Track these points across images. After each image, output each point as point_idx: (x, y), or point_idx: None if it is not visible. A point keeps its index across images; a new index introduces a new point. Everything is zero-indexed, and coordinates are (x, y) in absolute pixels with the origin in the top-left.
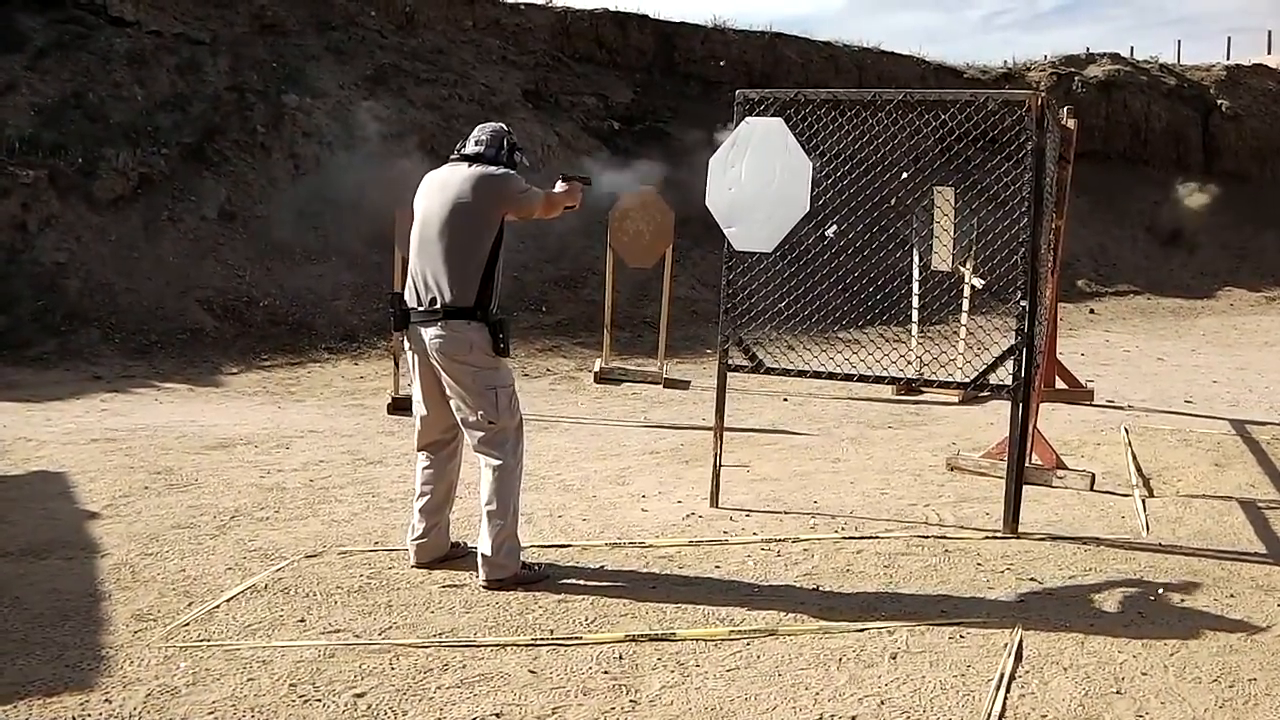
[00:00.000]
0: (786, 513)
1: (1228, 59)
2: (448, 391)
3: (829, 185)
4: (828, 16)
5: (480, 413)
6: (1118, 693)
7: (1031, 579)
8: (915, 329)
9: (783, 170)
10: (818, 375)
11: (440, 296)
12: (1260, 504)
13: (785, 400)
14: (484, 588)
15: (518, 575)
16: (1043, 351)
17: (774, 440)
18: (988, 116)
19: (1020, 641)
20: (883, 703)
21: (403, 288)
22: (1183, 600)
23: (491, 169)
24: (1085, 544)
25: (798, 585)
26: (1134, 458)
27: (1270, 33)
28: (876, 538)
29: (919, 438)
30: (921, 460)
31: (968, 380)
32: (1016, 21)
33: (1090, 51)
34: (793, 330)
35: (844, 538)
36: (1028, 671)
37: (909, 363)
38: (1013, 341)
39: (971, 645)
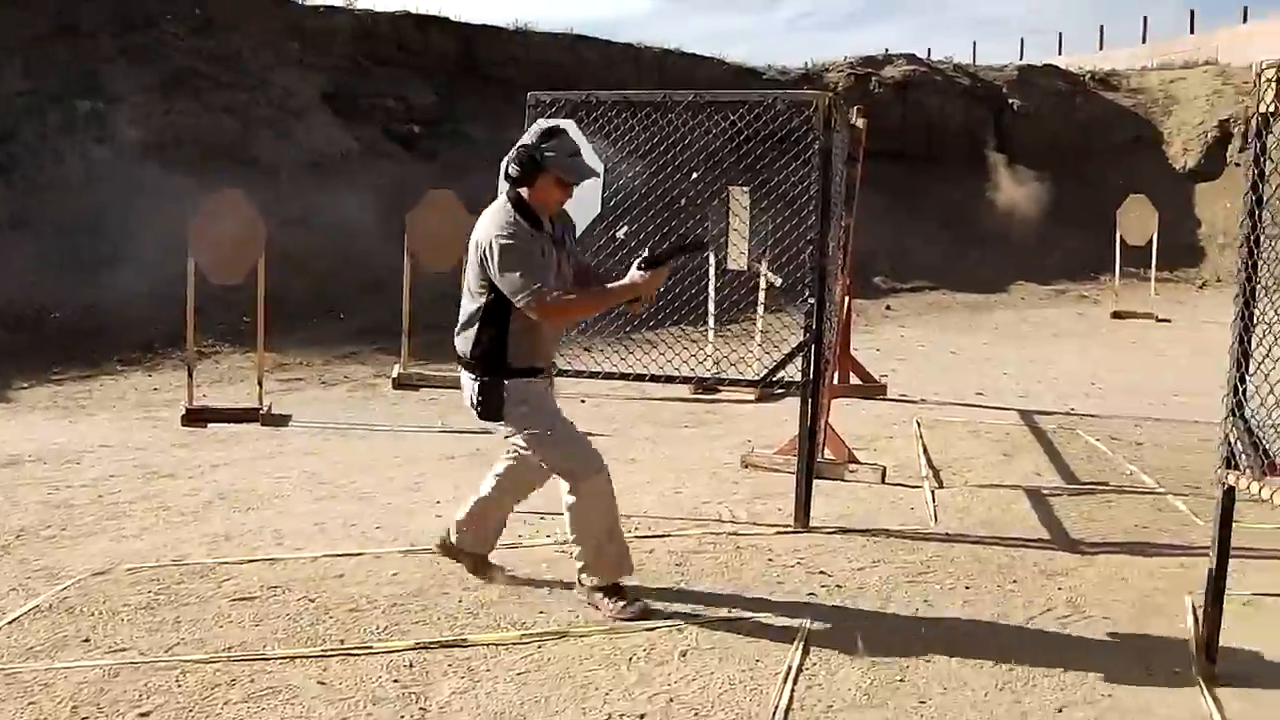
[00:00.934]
0: None
1: (1020, 59)
2: None
3: (621, 186)
4: (635, 19)
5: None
6: (901, 680)
7: (821, 572)
8: (712, 328)
9: None
10: (610, 376)
11: (458, 344)
12: (1045, 491)
13: (583, 402)
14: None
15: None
16: (833, 348)
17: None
18: (776, 117)
19: (808, 634)
20: (671, 700)
21: None
22: (967, 587)
23: (500, 220)
24: (875, 536)
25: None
26: (925, 450)
27: (1061, 34)
28: (670, 536)
29: (715, 436)
30: (717, 458)
31: (758, 378)
32: (821, 23)
33: (888, 52)
34: (589, 332)
35: (638, 537)
36: (815, 663)
37: (705, 362)
38: (802, 339)
39: (761, 640)
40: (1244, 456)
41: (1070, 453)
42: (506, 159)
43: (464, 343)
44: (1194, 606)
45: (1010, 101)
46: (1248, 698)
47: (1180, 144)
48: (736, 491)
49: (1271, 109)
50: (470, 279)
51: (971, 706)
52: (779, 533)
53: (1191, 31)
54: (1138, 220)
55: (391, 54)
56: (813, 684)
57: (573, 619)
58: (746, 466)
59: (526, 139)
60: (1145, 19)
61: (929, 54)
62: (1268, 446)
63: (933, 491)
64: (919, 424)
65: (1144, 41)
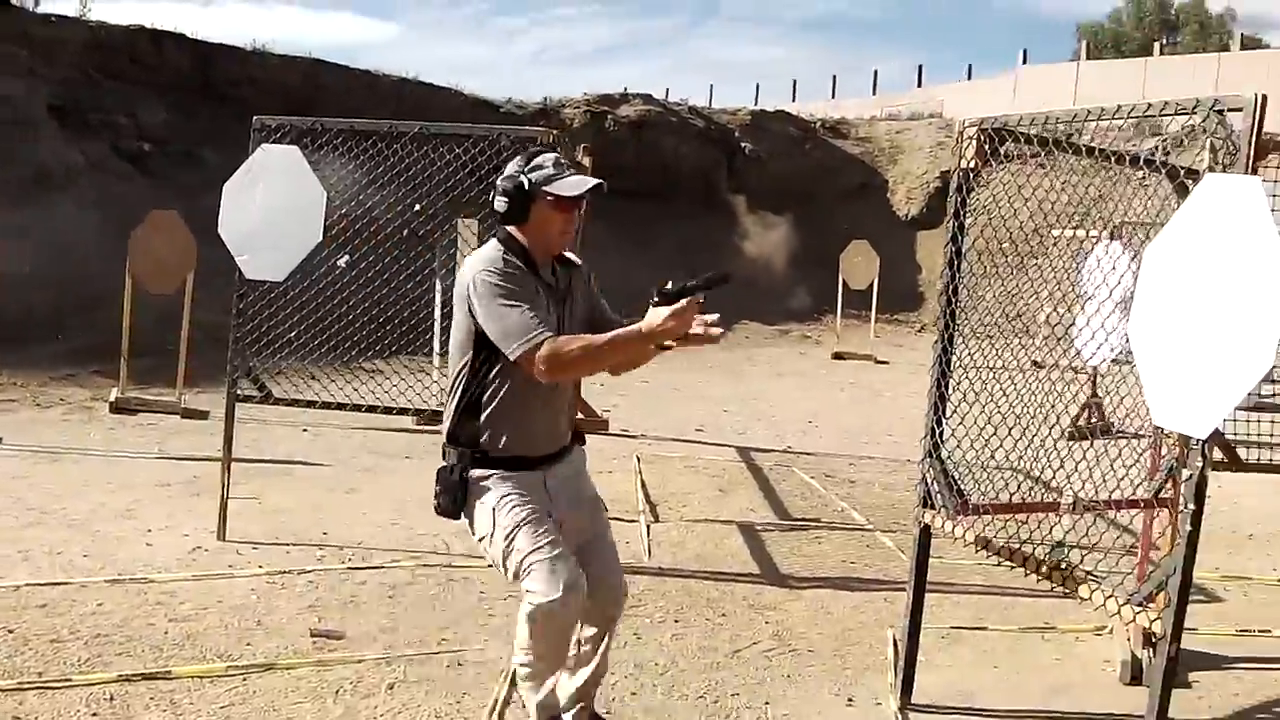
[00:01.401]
0: (295, 544)
1: (755, 104)
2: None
3: (345, 215)
4: (377, 45)
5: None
6: (608, 713)
7: None
8: (437, 359)
9: (296, 199)
10: (327, 406)
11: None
12: (758, 526)
13: (305, 431)
14: None
15: None
16: None
17: (290, 471)
18: (501, 152)
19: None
20: None
21: None
22: (677, 620)
23: (487, 256)
24: None
25: (300, 618)
26: (643, 485)
27: (795, 81)
28: (383, 568)
29: (435, 467)
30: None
31: None
32: (563, 59)
33: (626, 91)
34: (315, 360)
35: (350, 568)
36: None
37: (430, 393)
38: None
39: (468, 673)
40: (939, 496)
41: (785, 489)
42: (493, 196)
43: (445, 418)
44: (894, 639)
45: (743, 145)
46: None
47: (904, 192)
48: (452, 524)
49: (972, 165)
50: (454, 334)
51: None
52: (491, 566)
53: (920, 85)
54: (860, 264)
55: (124, 68)
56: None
57: (280, 651)
58: None
59: (508, 170)
60: (876, 71)
61: (667, 94)
62: (962, 486)
63: (648, 526)
64: (638, 459)
65: (874, 93)
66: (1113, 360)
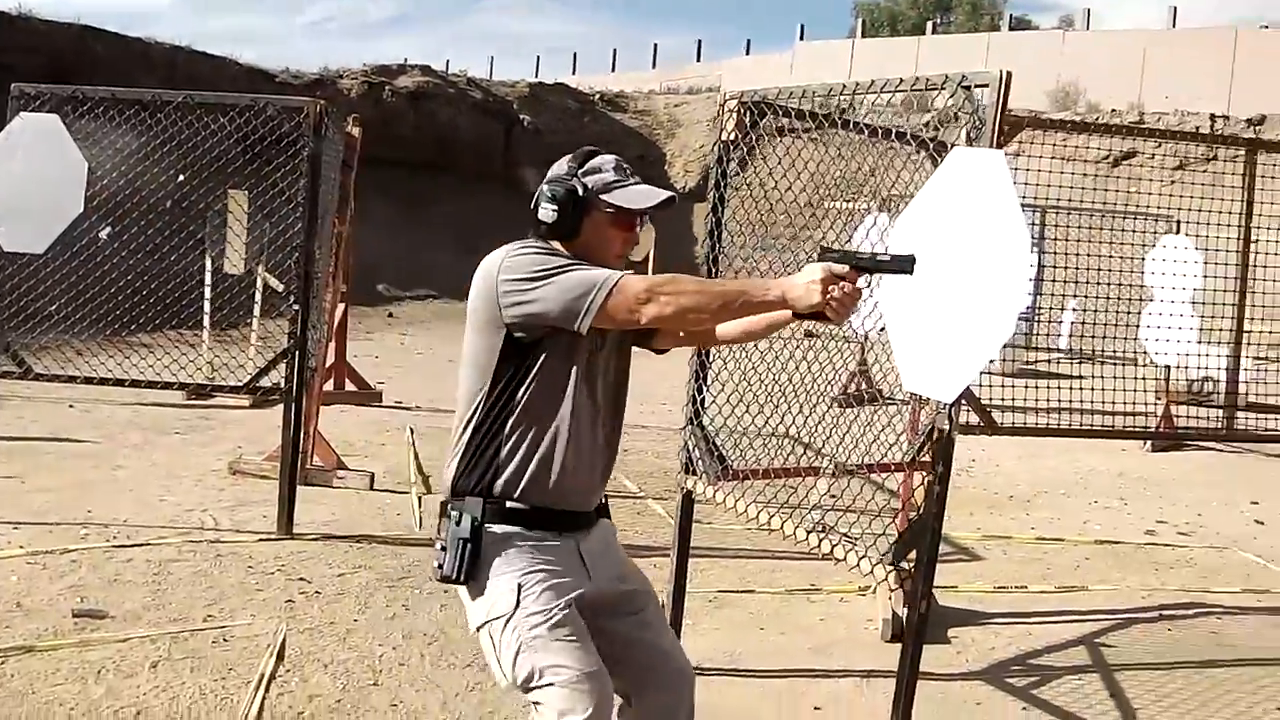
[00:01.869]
0: (59, 524)
1: (535, 77)
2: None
3: (107, 185)
4: (153, 13)
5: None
6: (375, 684)
7: (301, 579)
8: (207, 332)
9: (56, 169)
10: (89, 381)
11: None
12: None
13: (71, 407)
14: None
15: None
16: (322, 354)
17: (54, 449)
18: (268, 122)
19: (284, 641)
20: (139, 713)
21: None
22: (446, 591)
23: (504, 247)
24: (359, 542)
25: (62, 598)
26: (416, 456)
27: (576, 54)
28: (149, 544)
29: (206, 442)
30: (205, 464)
31: (240, 384)
32: (344, 29)
33: (405, 63)
34: (80, 334)
35: (115, 546)
36: (289, 670)
37: (199, 367)
38: (286, 345)
39: (235, 648)
40: (700, 462)
41: None
42: (537, 203)
43: (449, 468)
44: (660, 604)
45: (521, 117)
46: (705, 685)
47: (682, 165)
48: (221, 498)
49: (732, 138)
50: (468, 360)
51: (442, 707)
52: (261, 540)
53: (699, 60)
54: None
55: None
56: (284, 691)
57: (40, 632)
58: (235, 473)
59: (556, 171)
60: (656, 46)
61: (447, 66)
62: (724, 453)
63: (419, 497)
64: (412, 430)
65: (654, 66)
66: (881, 328)
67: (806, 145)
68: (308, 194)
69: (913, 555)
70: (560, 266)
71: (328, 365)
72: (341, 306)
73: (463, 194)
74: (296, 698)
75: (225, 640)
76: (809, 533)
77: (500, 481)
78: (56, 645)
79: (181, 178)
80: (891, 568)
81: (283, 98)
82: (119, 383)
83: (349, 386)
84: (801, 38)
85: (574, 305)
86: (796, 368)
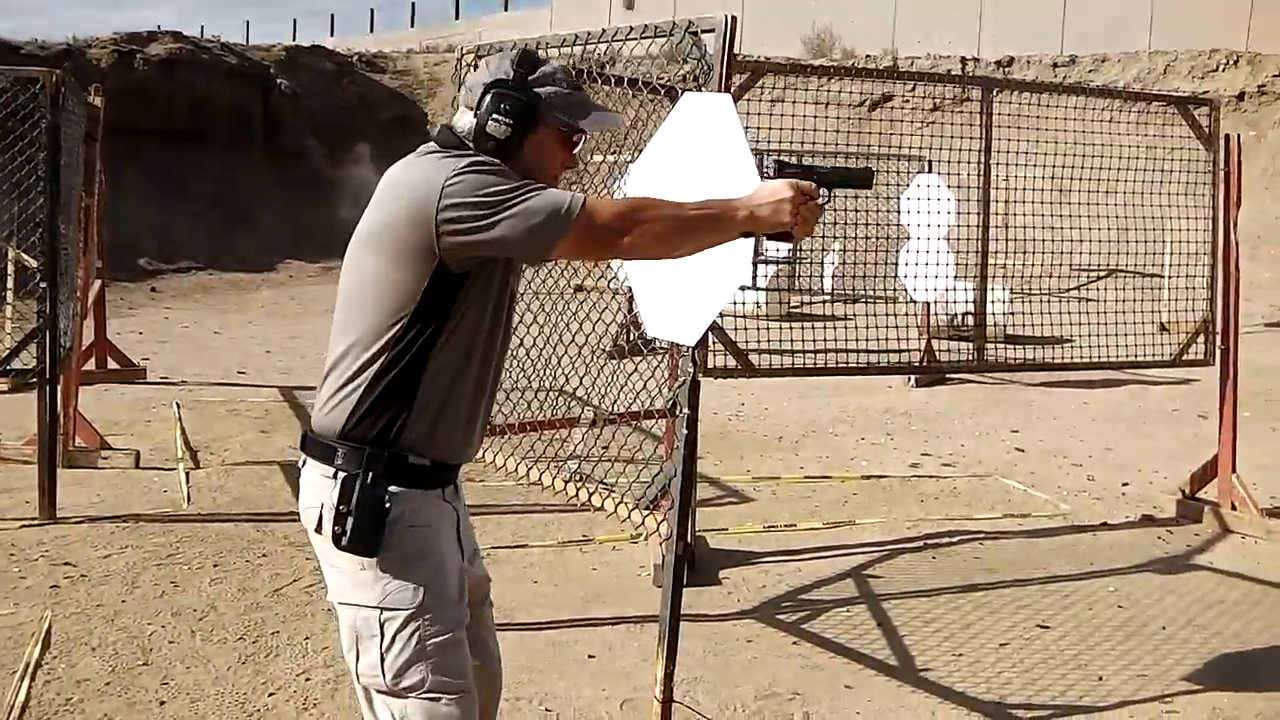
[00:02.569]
0: None
1: (293, 40)
2: None
3: None
4: None
5: (349, 653)
6: (145, 664)
7: (66, 563)
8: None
9: None
10: None
11: (319, 404)
12: (300, 465)
13: None
14: None
15: None
16: (77, 332)
17: None
18: (2, 94)
19: (49, 628)
20: None
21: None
22: (215, 565)
23: (439, 161)
24: (125, 522)
25: None
26: (183, 431)
27: (334, 15)
28: None
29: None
30: None
31: None
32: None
33: (157, 29)
34: None
35: None
36: (55, 657)
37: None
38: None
39: None
40: None
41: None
42: (468, 112)
43: (337, 408)
44: None
45: (279, 81)
46: None
47: (442, 124)
48: None
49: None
50: (380, 283)
51: (214, 682)
52: (24, 526)
53: (458, 18)
54: None
55: None
56: (52, 678)
57: None
58: None
59: (489, 75)
60: (414, 4)
61: (201, 32)
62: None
63: (187, 473)
64: (178, 405)
65: (413, 26)
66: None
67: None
68: (48, 168)
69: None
70: (520, 189)
71: (87, 344)
72: (98, 283)
73: (223, 163)
74: (64, 684)
75: None
76: (567, 483)
77: (408, 433)
78: None
79: None
80: (647, 512)
81: (16, 68)
82: None
83: (111, 365)
84: None
85: (538, 237)
86: (567, 325)
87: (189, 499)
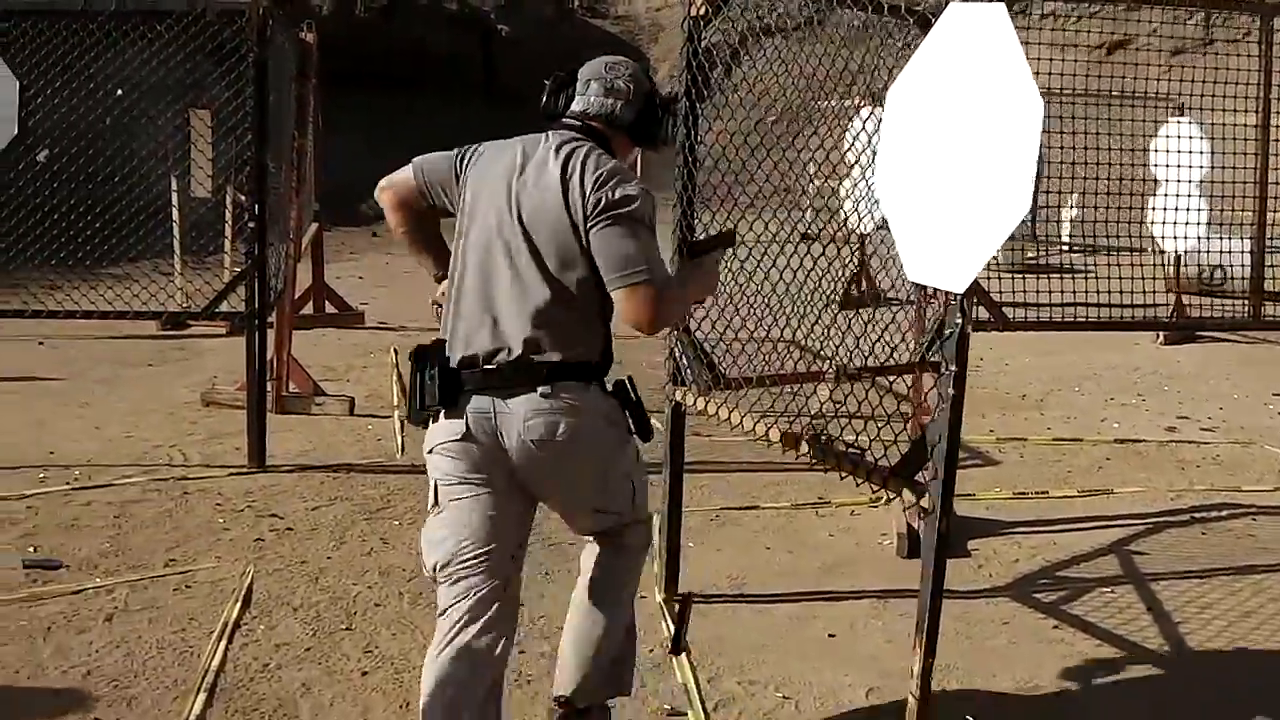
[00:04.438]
0: (16, 468)
1: None
2: (542, 493)
3: (40, 105)
4: None
5: (597, 499)
6: (348, 628)
7: (272, 514)
8: (179, 259)
9: None
10: (37, 315)
11: (538, 352)
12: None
13: (41, 344)
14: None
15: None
16: (290, 275)
17: (17, 389)
18: (207, 29)
19: (250, 585)
20: (89, 673)
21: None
22: (415, 520)
23: (615, 164)
24: (335, 472)
25: (13, 548)
26: (400, 378)
27: None
28: (111, 485)
29: (180, 374)
30: (177, 397)
31: (199, 310)
32: None
33: None
34: (41, 267)
35: (75, 489)
36: (255, 617)
37: (171, 295)
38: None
39: (198, 595)
40: (689, 371)
41: None
42: (606, 87)
43: (571, 343)
44: (655, 525)
45: (499, 27)
46: (709, 614)
47: (667, 70)
48: (193, 432)
49: (702, 13)
50: (567, 246)
51: (420, 651)
52: (232, 474)
53: None
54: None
55: None
56: (249, 640)
57: None
58: (208, 405)
59: (626, 69)
60: None
61: None
62: (714, 361)
63: (402, 421)
64: (395, 351)
65: None
66: (878, 227)
67: (791, 44)
68: (254, 105)
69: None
70: (646, 224)
71: (304, 288)
72: (314, 225)
73: (442, 109)
74: (262, 648)
75: (187, 587)
76: (812, 444)
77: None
78: (3, 602)
79: (120, 92)
80: (905, 483)
81: (227, 2)
82: (70, 315)
83: (329, 309)
84: None
85: (628, 269)
86: (795, 274)
87: (402, 448)
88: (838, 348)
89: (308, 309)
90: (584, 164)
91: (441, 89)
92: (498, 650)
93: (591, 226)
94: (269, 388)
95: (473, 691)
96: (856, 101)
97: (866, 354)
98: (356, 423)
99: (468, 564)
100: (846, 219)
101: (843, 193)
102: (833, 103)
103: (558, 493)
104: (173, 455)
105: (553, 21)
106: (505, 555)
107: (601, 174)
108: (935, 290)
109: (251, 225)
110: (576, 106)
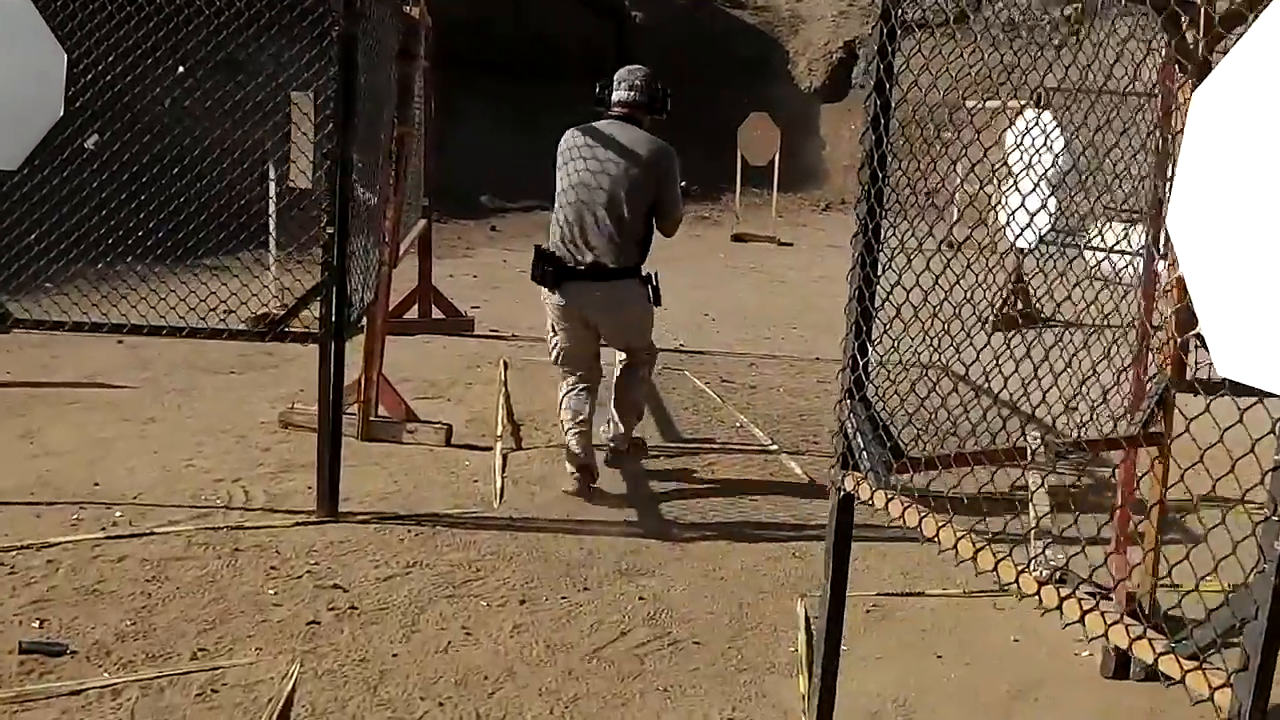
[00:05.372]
0: (51, 504)
1: None
2: (603, 332)
3: (90, 84)
4: None
5: (634, 341)
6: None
7: (335, 585)
8: (274, 256)
9: (28, 64)
10: (79, 328)
11: (606, 260)
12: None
13: (120, 342)
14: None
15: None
16: (384, 281)
17: (83, 397)
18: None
19: (291, 693)
20: None
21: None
22: (522, 601)
23: (663, 147)
24: (421, 524)
25: (16, 621)
26: (507, 399)
27: None
28: (152, 534)
29: (263, 384)
30: (254, 414)
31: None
32: None
33: None
34: (115, 263)
35: (109, 538)
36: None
37: (268, 295)
38: (321, 278)
39: (224, 706)
40: (864, 454)
41: (675, 400)
42: (649, 89)
43: (628, 253)
44: (805, 614)
45: (633, 14)
46: None
47: (806, 64)
48: (263, 462)
49: None
50: (643, 197)
51: None
52: (298, 524)
53: None
54: (760, 139)
55: None
56: None
57: None
58: (286, 426)
59: (640, 72)
60: None
61: None
62: (895, 432)
63: (505, 455)
64: (505, 365)
65: None
66: (1040, 241)
67: (944, 42)
68: (339, 89)
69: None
70: (678, 194)
71: (409, 290)
72: (422, 222)
73: (571, 97)
74: None
75: (214, 692)
76: (1041, 584)
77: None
78: None
79: (181, 70)
80: (1197, 664)
81: None
82: (116, 329)
83: (435, 314)
84: None
85: (674, 208)
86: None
87: (501, 495)
88: (994, 378)
89: (412, 312)
90: (641, 139)
91: (572, 77)
92: (589, 391)
93: (657, 179)
94: (355, 410)
95: (584, 406)
96: (1015, 104)
97: (1076, 419)
98: (453, 456)
99: (570, 360)
100: (1002, 231)
101: (1006, 201)
102: (985, 104)
103: (610, 328)
104: (233, 494)
105: (689, 9)
106: (586, 357)
107: (655, 148)
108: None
109: (329, 230)
110: (616, 97)
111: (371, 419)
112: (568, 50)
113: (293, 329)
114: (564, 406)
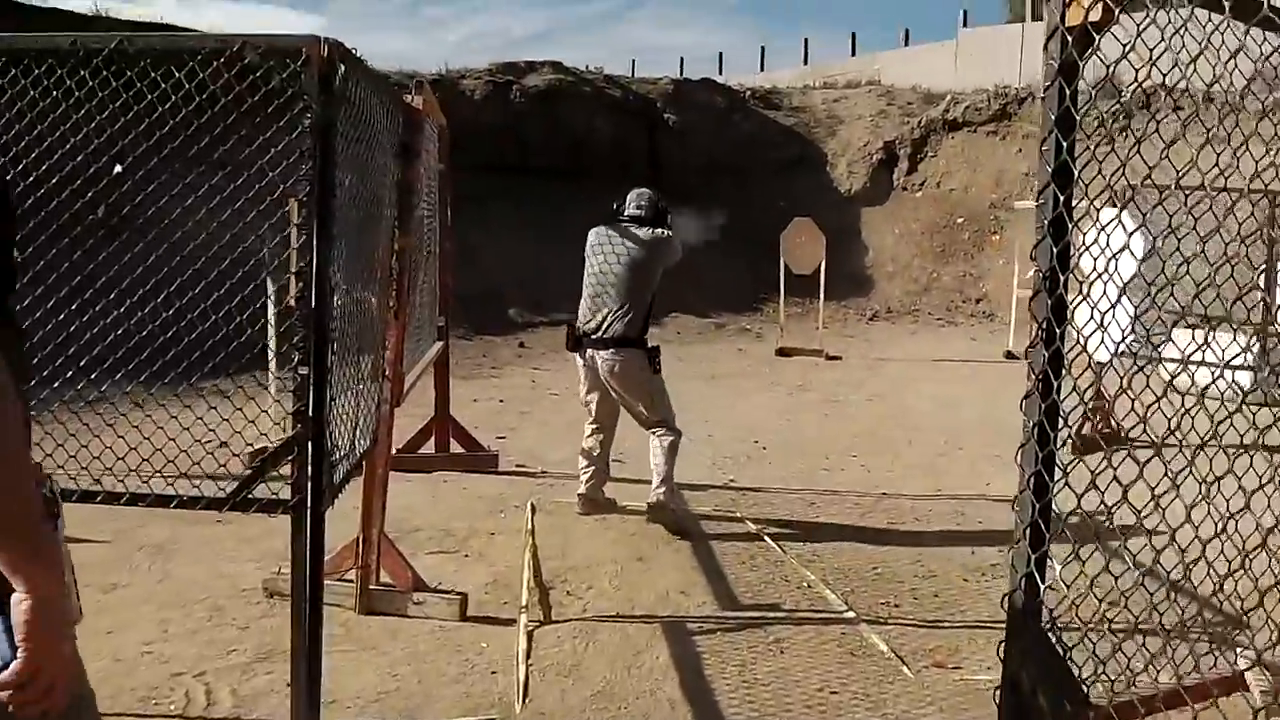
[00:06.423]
0: None
1: (680, 75)
2: (613, 394)
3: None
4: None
5: (642, 406)
6: None
7: None
8: (274, 378)
9: None
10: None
11: (614, 330)
12: (690, 625)
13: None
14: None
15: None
16: (386, 422)
17: None
18: (246, 74)
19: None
20: None
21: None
22: None
23: (663, 233)
24: None
25: None
26: (535, 555)
27: (721, 54)
28: None
29: (250, 537)
30: (236, 578)
31: (222, 498)
32: (489, 48)
33: (531, 60)
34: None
35: None
36: None
37: (263, 425)
38: (292, 433)
39: None
40: (1042, 693)
41: (729, 551)
42: (654, 206)
43: (632, 327)
44: None
45: (665, 116)
46: None
47: (845, 165)
48: (237, 645)
49: (1095, 18)
50: (646, 280)
51: None
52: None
53: (854, 54)
54: (804, 246)
55: None
56: None
57: None
58: (271, 596)
59: (646, 195)
60: (806, 40)
61: (586, 69)
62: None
63: (530, 634)
64: (533, 509)
65: (806, 62)
66: (1120, 354)
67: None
68: (315, 187)
69: None
70: (679, 252)
71: (425, 422)
72: (438, 345)
73: (603, 203)
74: None
75: None
76: None
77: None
78: None
79: (119, 168)
80: None
81: (267, 34)
82: (112, 498)
83: (454, 448)
84: (965, 24)
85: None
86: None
87: (524, 696)
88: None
89: (428, 447)
90: (646, 233)
91: (604, 180)
92: (607, 440)
93: (660, 258)
94: (352, 577)
95: (604, 451)
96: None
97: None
98: (467, 636)
99: (590, 405)
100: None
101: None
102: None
103: (622, 394)
104: (193, 694)
105: (723, 112)
106: (602, 408)
107: (656, 238)
108: None
109: (302, 371)
110: (628, 212)
111: (372, 588)
112: (600, 153)
113: (260, 496)
114: (582, 447)
